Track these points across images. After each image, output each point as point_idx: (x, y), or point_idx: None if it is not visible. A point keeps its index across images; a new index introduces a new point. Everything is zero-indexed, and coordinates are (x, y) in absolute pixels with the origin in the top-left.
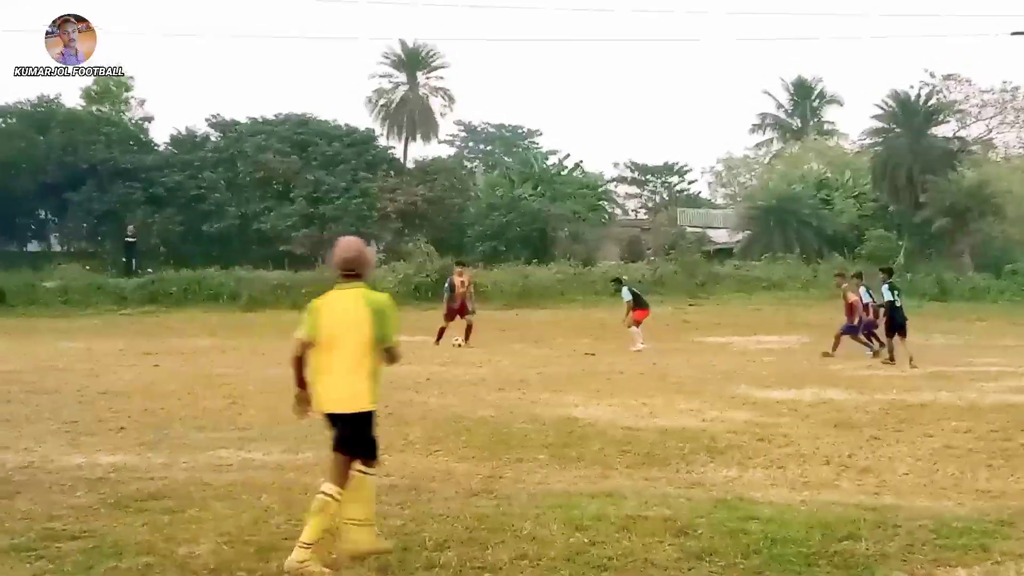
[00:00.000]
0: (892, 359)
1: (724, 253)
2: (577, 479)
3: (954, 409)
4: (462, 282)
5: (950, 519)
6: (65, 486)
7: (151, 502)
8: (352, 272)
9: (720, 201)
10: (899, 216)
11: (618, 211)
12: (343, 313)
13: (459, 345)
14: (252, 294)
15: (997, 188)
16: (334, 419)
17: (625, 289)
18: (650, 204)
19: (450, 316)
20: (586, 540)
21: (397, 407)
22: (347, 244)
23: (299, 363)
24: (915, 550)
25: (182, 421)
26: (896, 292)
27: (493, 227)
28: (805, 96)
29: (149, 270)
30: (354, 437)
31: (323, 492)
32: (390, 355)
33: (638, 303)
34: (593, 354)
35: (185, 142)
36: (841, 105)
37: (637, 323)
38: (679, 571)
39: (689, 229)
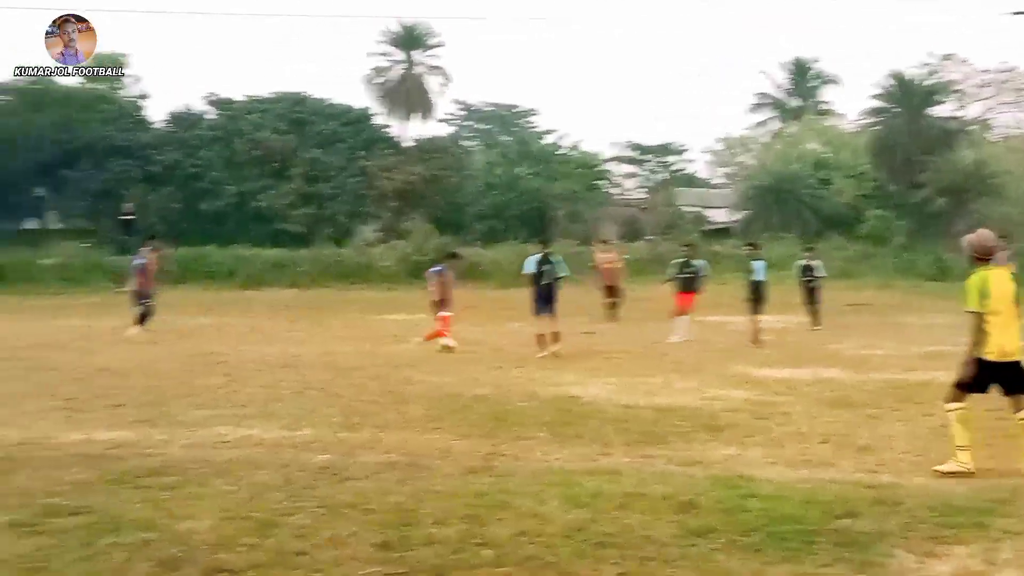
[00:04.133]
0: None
1: (722, 233)
2: (576, 457)
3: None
4: (607, 259)
5: (948, 497)
6: (64, 462)
7: (150, 478)
8: (992, 256)
9: (718, 181)
10: (898, 196)
11: (616, 191)
12: (1005, 286)
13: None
14: (249, 272)
15: (995, 168)
16: (1005, 367)
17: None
18: (648, 184)
19: (607, 294)
20: (586, 517)
21: (396, 385)
22: (991, 235)
23: (979, 332)
24: (914, 528)
25: (180, 398)
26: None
27: (492, 206)
28: (803, 76)
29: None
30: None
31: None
32: None
33: (683, 285)
34: (592, 333)
35: (182, 120)
36: (839, 85)
37: (682, 311)
38: (678, 547)
39: (687, 209)
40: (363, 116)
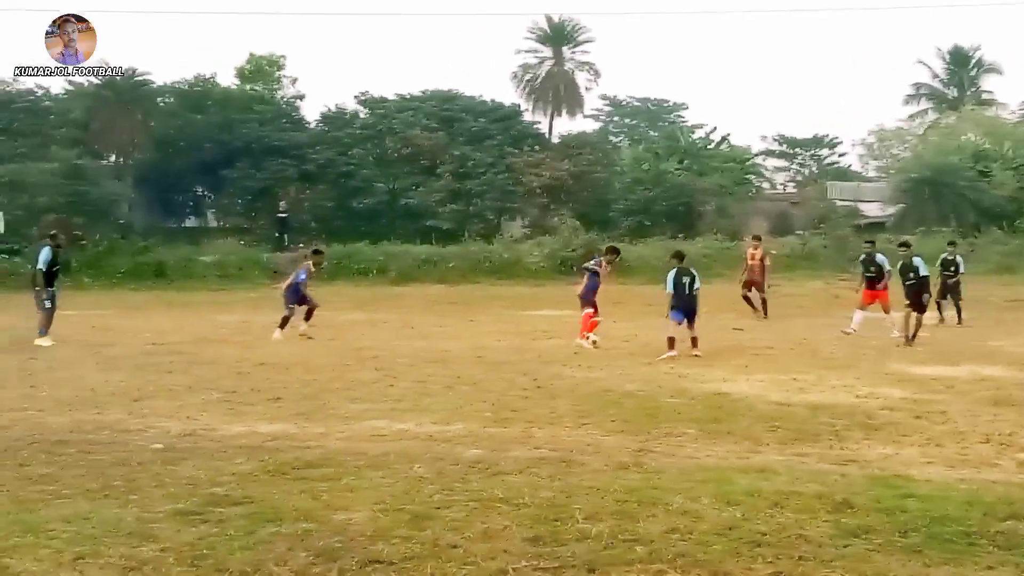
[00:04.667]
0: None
1: (876, 227)
2: (727, 454)
3: None
4: (752, 255)
5: None
6: (226, 454)
7: (308, 470)
8: None
9: (872, 174)
10: None
11: (766, 185)
12: None
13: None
14: (400, 268)
15: None
16: None
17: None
18: (799, 178)
19: (748, 289)
20: (738, 515)
21: (545, 381)
22: None
23: None
24: None
25: (336, 392)
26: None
27: (638, 202)
28: (962, 65)
29: (300, 245)
30: None
31: None
32: None
33: (869, 283)
34: (741, 329)
35: (335, 119)
36: (1000, 74)
37: (866, 305)
38: (835, 548)
39: (839, 203)
40: (512, 113)
